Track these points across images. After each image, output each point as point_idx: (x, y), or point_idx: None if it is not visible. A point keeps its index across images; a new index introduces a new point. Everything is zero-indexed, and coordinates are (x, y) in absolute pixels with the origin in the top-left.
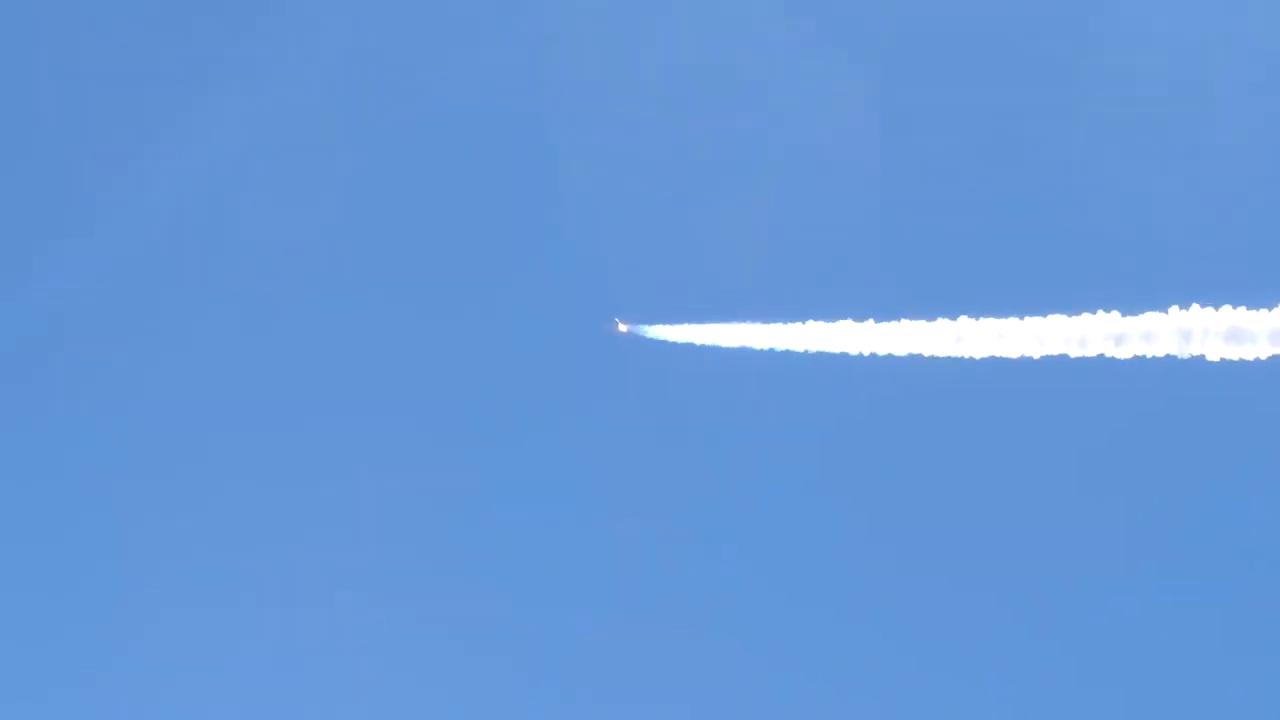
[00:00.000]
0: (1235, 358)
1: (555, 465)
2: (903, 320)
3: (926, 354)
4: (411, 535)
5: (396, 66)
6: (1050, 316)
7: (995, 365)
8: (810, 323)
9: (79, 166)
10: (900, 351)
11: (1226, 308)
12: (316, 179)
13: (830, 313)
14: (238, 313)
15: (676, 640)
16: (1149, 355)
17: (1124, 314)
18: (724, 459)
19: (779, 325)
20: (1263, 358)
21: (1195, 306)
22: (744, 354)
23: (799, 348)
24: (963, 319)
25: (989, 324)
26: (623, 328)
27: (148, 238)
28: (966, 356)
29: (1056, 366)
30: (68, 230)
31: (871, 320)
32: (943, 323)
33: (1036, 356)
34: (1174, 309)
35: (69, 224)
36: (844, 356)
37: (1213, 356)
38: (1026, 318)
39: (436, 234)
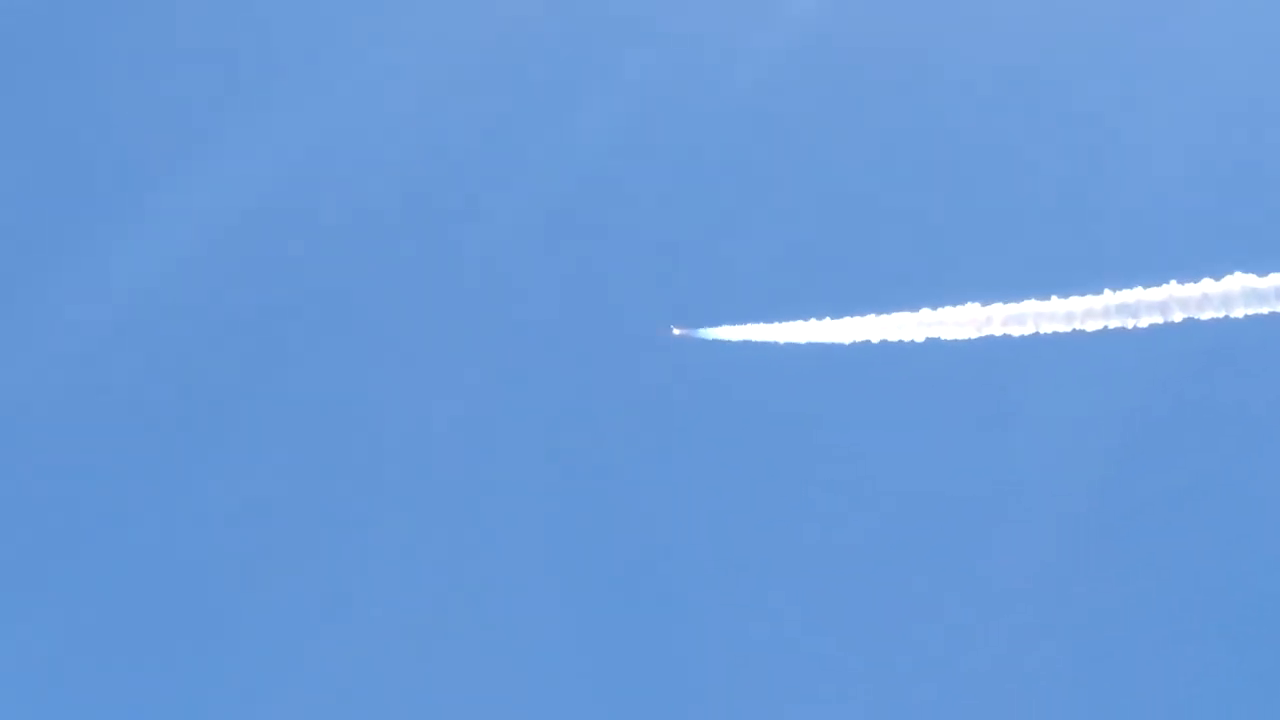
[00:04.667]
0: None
1: (634, 475)
2: (958, 306)
3: (991, 335)
4: (447, 543)
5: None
6: (1102, 293)
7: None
8: (869, 316)
9: None
10: (957, 336)
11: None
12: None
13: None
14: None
15: (760, 632)
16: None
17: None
18: (798, 456)
19: (842, 320)
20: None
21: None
22: (805, 350)
23: (862, 339)
24: (1030, 301)
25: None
26: (677, 332)
27: None
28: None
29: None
30: None
31: (926, 308)
32: (1001, 306)
33: (1089, 330)
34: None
35: None
36: (899, 345)
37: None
38: (1088, 295)
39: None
